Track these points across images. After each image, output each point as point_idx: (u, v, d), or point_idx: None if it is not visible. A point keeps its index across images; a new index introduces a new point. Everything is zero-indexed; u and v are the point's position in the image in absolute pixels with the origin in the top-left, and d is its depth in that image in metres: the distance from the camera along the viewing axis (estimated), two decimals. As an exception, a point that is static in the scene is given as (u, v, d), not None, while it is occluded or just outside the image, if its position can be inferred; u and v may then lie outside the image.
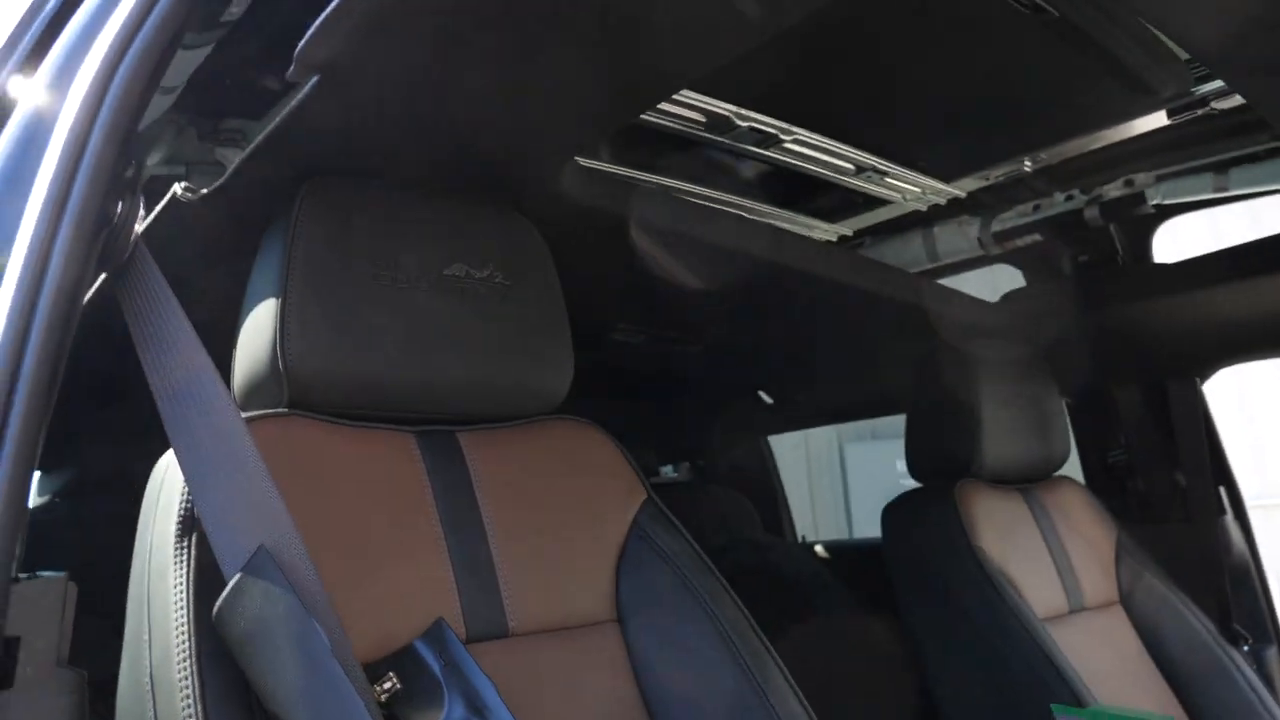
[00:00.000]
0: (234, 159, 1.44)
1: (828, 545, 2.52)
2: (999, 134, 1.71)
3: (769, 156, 1.66)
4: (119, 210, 0.75)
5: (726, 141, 1.59)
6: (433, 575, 0.97)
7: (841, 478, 5.62)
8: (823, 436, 5.68)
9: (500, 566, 1.01)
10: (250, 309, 1.00)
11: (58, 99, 0.75)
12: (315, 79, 0.83)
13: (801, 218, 1.98)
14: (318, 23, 0.77)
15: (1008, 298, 2.03)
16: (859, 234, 2.07)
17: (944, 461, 1.73)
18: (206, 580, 0.79)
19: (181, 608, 0.79)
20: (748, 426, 2.55)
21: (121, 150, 0.72)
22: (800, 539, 2.81)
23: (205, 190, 1.00)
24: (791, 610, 2.14)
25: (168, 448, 0.90)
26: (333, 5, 0.75)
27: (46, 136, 0.73)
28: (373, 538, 0.95)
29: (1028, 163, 1.81)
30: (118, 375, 0.95)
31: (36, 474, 0.79)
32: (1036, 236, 2.02)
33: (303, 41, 0.78)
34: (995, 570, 1.59)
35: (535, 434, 1.13)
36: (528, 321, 1.12)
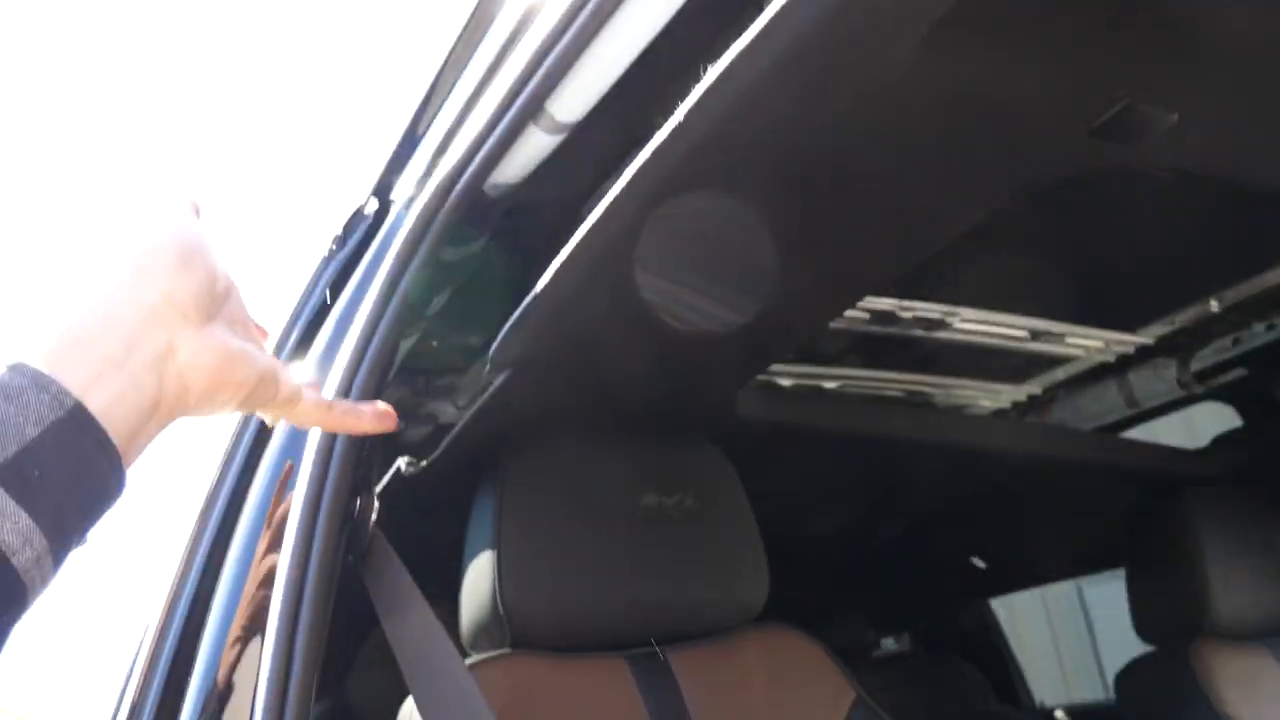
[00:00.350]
0: (444, 410, 1.62)
1: (1070, 710, 2.38)
2: (1175, 281, 1.69)
3: (940, 339, 1.70)
4: (358, 505, 0.89)
5: (895, 331, 1.65)
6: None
7: (1086, 624, 5.26)
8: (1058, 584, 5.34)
9: (720, 790, 1.06)
10: (470, 559, 1.13)
11: None
12: (507, 373, 0.96)
13: (986, 384, 1.99)
14: (506, 328, 0.90)
15: (1220, 441, 1.95)
16: (1049, 390, 2.06)
17: (1173, 620, 1.64)
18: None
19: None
20: (964, 592, 2.49)
21: (359, 457, 0.86)
22: (1039, 704, 2.67)
23: (423, 463, 1.14)
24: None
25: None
26: (516, 315, 0.88)
27: (305, 435, 0.89)
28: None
29: (1214, 303, 1.77)
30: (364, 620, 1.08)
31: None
32: (1242, 371, 1.95)
33: (495, 345, 0.92)
34: (1250, 740, 1.48)
35: (740, 647, 1.18)
36: (721, 540, 1.19)
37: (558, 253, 0.87)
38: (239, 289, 0.56)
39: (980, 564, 2.34)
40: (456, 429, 1.10)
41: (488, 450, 1.10)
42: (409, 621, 0.90)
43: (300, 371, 0.62)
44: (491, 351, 0.93)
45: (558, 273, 0.87)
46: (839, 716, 1.16)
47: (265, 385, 0.54)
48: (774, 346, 1.24)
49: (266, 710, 0.77)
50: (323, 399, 0.60)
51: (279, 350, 1.06)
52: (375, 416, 0.65)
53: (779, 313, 1.14)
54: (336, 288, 1.01)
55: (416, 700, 0.90)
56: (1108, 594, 5.64)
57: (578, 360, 1.03)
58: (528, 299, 0.90)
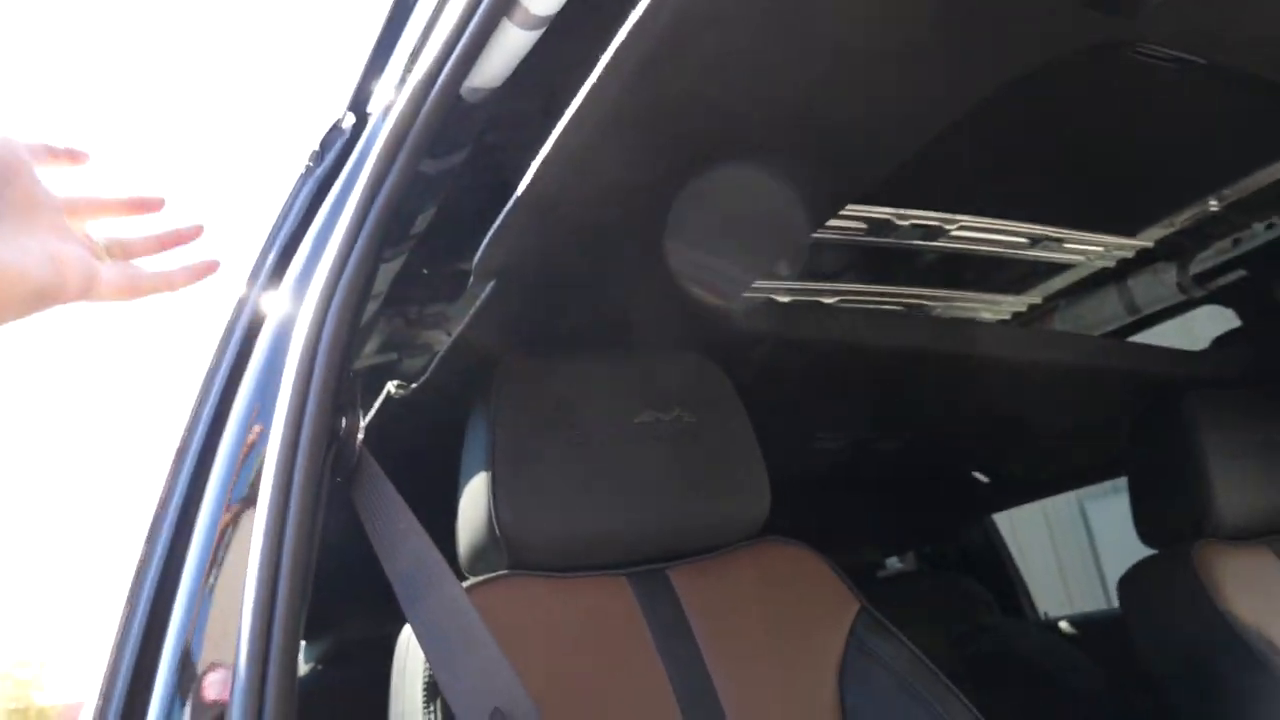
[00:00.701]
0: (438, 339, 1.60)
1: (1074, 620, 2.40)
2: (1174, 181, 1.65)
3: (937, 247, 1.67)
4: (343, 425, 0.86)
5: (892, 241, 1.62)
6: (660, 715, 1.02)
7: (1088, 540, 5.29)
8: (1060, 499, 5.37)
9: (724, 698, 1.05)
10: (465, 482, 1.11)
11: (289, 323, 0.88)
12: (492, 283, 0.93)
13: (986, 295, 1.96)
14: (487, 238, 0.87)
15: (1221, 341, 1.93)
16: (1049, 299, 2.03)
17: (1176, 524, 1.63)
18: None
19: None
20: (967, 509, 2.48)
21: (341, 376, 0.83)
22: (1043, 616, 2.68)
23: (414, 385, 1.12)
24: (1040, 696, 2.05)
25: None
26: (499, 221, 0.85)
27: (284, 356, 0.86)
28: (600, 684, 1.01)
29: (1213, 202, 1.73)
30: (360, 556, 1.06)
31: (303, 644, 0.92)
32: (1243, 272, 1.92)
33: (478, 254, 0.89)
34: (1254, 636, 1.47)
35: (741, 561, 1.17)
36: (719, 454, 1.17)
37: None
38: (28, 163, 0.52)
39: (983, 478, 2.33)
40: (445, 346, 1.08)
41: (478, 369, 1.08)
42: (401, 543, 0.88)
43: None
44: (475, 261, 0.90)
45: (537, 173, 0.83)
46: (844, 627, 1.16)
47: (47, 295, 0.51)
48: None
49: (252, 640, 0.75)
50: (126, 272, 0.56)
51: (255, 272, 1.03)
52: (188, 274, 0.61)
53: (765, 217, 1.11)
54: (314, 205, 0.98)
55: (413, 625, 0.89)
56: (1109, 509, 5.70)
57: (563, 268, 1.00)
58: (509, 204, 0.87)
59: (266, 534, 0.78)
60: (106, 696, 0.90)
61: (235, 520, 0.86)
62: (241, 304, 1.00)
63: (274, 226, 1.03)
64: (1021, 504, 2.59)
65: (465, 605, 0.85)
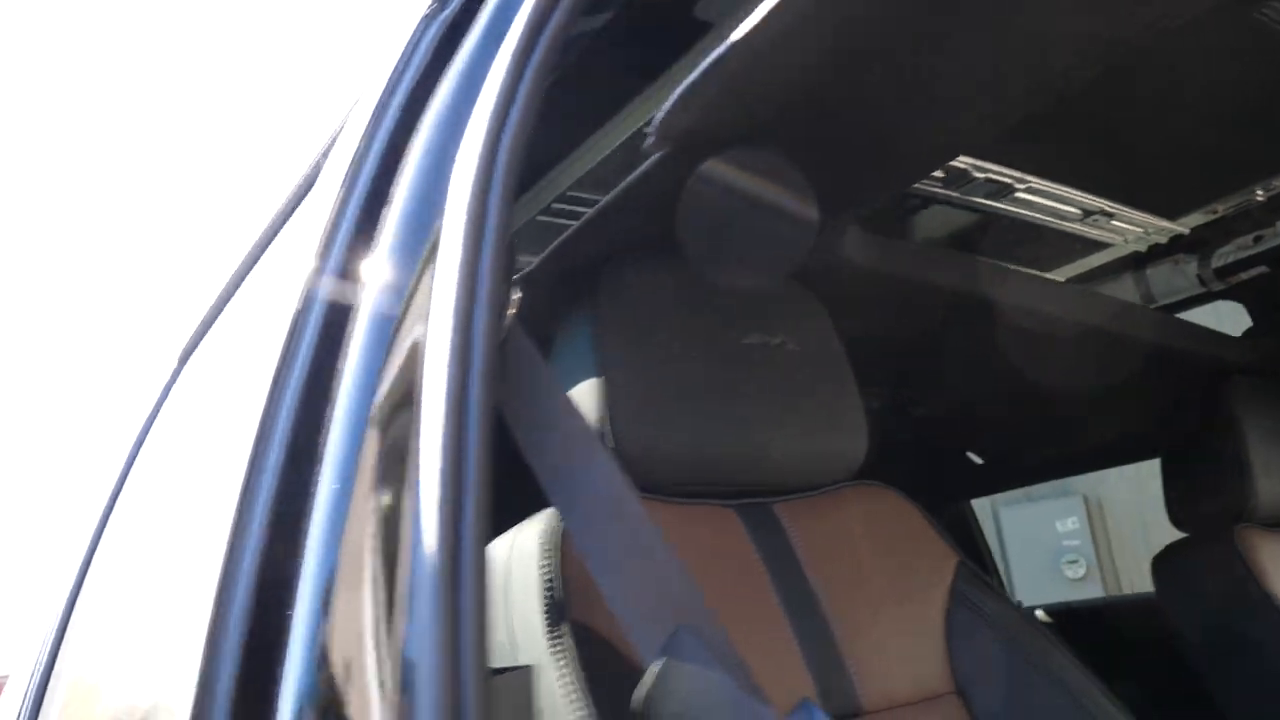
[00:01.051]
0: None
1: (1048, 609, 2.39)
2: (1232, 162, 1.63)
3: (996, 207, 1.62)
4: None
5: (958, 195, 1.56)
6: (782, 653, 0.93)
7: (999, 543, 5.40)
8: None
9: (841, 643, 0.96)
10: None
11: (444, 156, 0.72)
12: (667, 149, 0.81)
13: (1012, 269, 1.92)
14: (675, 96, 0.76)
15: (1249, 334, 1.93)
16: (1067, 281, 2.01)
17: (1212, 508, 1.61)
18: (595, 665, 0.77)
19: (573, 699, 0.76)
20: (953, 490, 2.45)
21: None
22: (1017, 604, 2.67)
23: (517, 275, 0.99)
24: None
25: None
26: (695, 76, 0.74)
27: (444, 190, 0.70)
28: (722, 614, 0.91)
29: (1260, 192, 1.73)
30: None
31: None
32: (1263, 269, 1.92)
33: (664, 112, 0.77)
34: (1295, 618, 1.47)
35: (844, 502, 1.09)
36: (821, 386, 1.08)
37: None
38: None
39: (977, 460, 2.30)
40: (570, 232, 0.95)
41: (580, 270, 0.96)
42: (556, 432, 0.75)
43: None
44: (658, 120, 0.78)
45: (755, 30, 0.72)
46: (946, 579, 1.09)
47: None
48: (886, 184, 1.13)
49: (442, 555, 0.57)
50: None
51: (367, 144, 0.87)
52: None
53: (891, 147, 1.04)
54: (444, 47, 0.84)
55: (571, 526, 0.76)
56: (1020, 516, 5.84)
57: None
58: (708, 60, 0.75)
59: (449, 407, 0.61)
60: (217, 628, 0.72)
61: (389, 419, 0.68)
62: (370, 138, 0.85)
63: (396, 68, 0.88)
64: (1012, 488, 2.57)
65: (635, 506, 0.73)
